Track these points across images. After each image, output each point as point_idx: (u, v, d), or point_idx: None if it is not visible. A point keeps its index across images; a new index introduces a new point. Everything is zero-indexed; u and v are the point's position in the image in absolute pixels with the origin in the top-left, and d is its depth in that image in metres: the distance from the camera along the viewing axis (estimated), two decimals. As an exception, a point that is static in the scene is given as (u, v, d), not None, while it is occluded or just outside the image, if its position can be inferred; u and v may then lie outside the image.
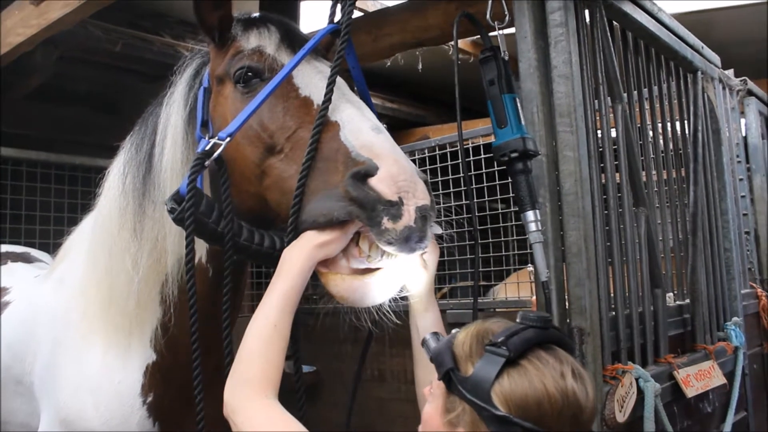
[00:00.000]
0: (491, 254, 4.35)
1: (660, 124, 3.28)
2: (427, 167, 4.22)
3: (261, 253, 2.09)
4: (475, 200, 4.04)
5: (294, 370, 2.19)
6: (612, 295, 2.55)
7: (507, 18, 2.37)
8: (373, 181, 1.81)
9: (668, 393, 2.64)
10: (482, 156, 4.04)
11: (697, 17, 5.89)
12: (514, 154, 2.15)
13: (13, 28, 3.83)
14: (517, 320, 1.64)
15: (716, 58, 3.92)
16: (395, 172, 1.82)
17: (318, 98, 2.04)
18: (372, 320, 2.11)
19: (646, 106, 3.14)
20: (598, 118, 2.62)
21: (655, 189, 3.10)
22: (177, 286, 2.35)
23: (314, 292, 1.95)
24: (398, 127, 7.86)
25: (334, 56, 2.08)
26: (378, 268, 1.93)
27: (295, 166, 1.99)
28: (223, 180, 2.14)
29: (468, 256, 4.03)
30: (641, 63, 3.08)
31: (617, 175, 2.71)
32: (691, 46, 3.52)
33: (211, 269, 2.39)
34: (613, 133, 2.74)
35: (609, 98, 2.71)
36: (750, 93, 4.78)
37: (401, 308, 2.12)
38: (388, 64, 5.70)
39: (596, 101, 2.61)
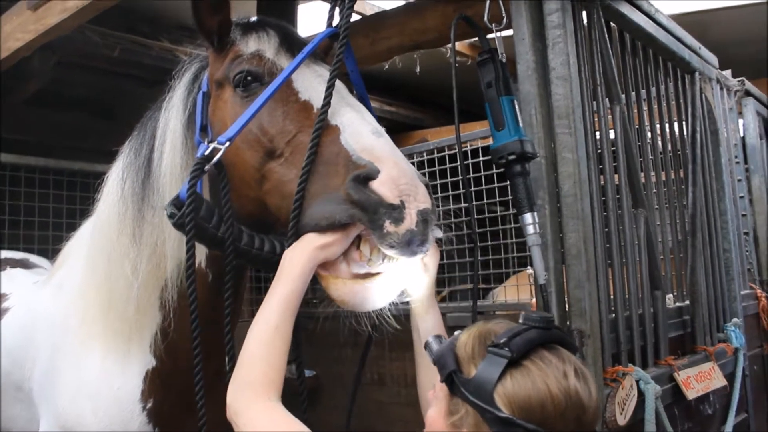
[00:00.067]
0: (490, 257, 4.34)
1: (658, 126, 3.28)
2: (426, 170, 4.22)
3: (261, 258, 2.09)
4: (474, 203, 4.05)
5: (297, 374, 2.19)
6: (612, 297, 2.55)
7: (504, 20, 2.37)
8: (375, 185, 1.81)
9: (669, 395, 2.64)
10: (481, 158, 4.04)
11: (694, 18, 5.90)
12: (511, 157, 2.15)
13: (11, 33, 3.82)
14: (520, 321, 1.63)
15: (714, 59, 3.93)
16: (396, 176, 1.82)
17: (318, 102, 2.04)
18: (372, 324, 2.11)
19: (645, 107, 3.14)
20: (596, 119, 2.62)
21: (654, 190, 3.10)
22: (176, 291, 2.35)
23: (314, 296, 1.95)
24: (396, 130, 7.85)
25: (333, 60, 2.08)
26: (378, 273, 1.92)
27: (296, 170, 1.98)
28: (222, 185, 2.14)
29: (467, 259, 4.02)
30: (639, 64, 3.09)
31: (616, 176, 2.71)
32: (689, 47, 3.52)
33: (210, 274, 2.39)
34: (612, 135, 2.74)
35: (607, 100, 2.71)
36: (747, 93, 4.79)
37: (401, 312, 2.12)
38: (386, 67, 5.70)
39: (594, 103, 2.61)
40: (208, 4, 2.21)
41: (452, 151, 4.15)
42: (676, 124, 3.45)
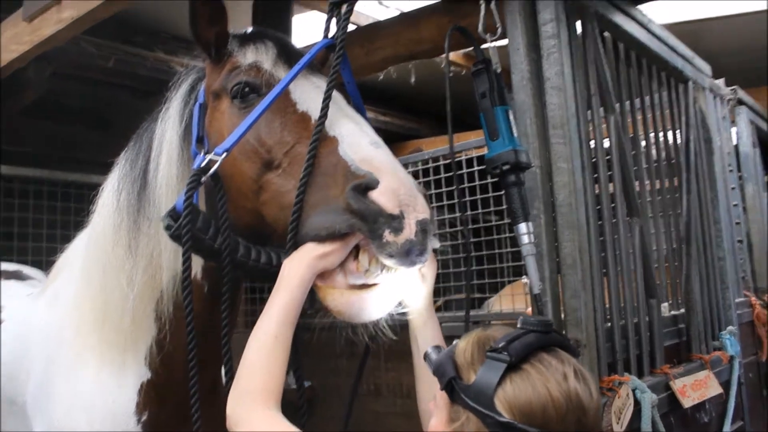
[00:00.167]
0: (486, 266, 4.35)
1: (652, 134, 3.29)
2: (421, 180, 4.23)
3: (258, 270, 2.08)
4: (469, 212, 4.06)
5: (297, 386, 2.18)
6: (607, 306, 2.55)
7: (499, 30, 2.38)
8: (374, 195, 1.81)
9: (665, 404, 2.64)
10: (475, 168, 4.05)
11: (687, 27, 5.93)
12: (506, 167, 2.15)
13: (6, 45, 3.82)
14: (518, 325, 1.63)
15: (707, 68, 3.95)
16: (396, 186, 1.82)
17: (316, 113, 2.04)
18: (369, 335, 2.10)
19: (639, 116, 3.15)
20: (591, 129, 2.63)
21: (649, 199, 3.11)
22: (172, 302, 2.34)
23: (309, 306, 1.94)
24: (391, 140, 7.84)
25: (330, 71, 2.08)
26: (375, 284, 1.92)
27: (293, 181, 1.98)
28: (219, 196, 2.14)
29: (462, 269, 4.03)
30: (633, 73, 3.10)
31: (611, 185, 2.72)
32: (682, 56, 3.54)
33: (206, 285, 2.38)
34: (606, 144, 2.75)
35: (601, 109, 2.72)
36: (740, 102, 4.82)
37: (397, 322, 2.12)
38: (381, 77, 5.72)
39: (589, 112, 2.62)
40: (205, 16, 2.21)
41: (447, 161, 4.16)
42: (670, 133, 3.47)
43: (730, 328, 3.50)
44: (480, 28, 2.38)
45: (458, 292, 4.92)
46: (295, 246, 1.92)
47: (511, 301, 4.35)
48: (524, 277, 4.34)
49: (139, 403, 2.46)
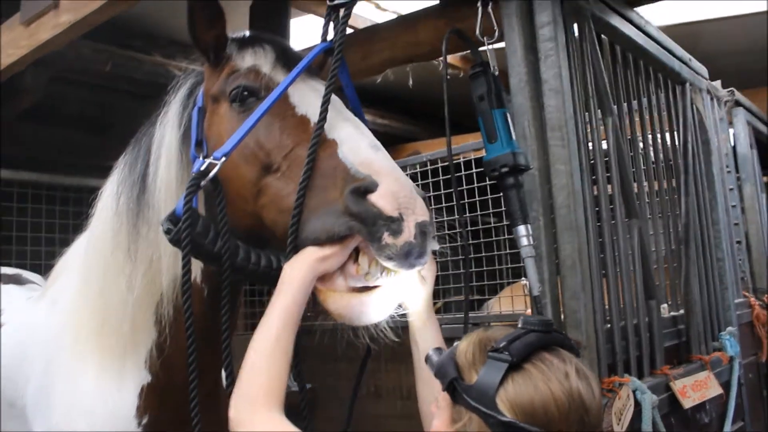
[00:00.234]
0: (484, 268, 4.35)
1: (650, 136, 3.30)
2: (419, 182, 4.23)
3: (258, 273, 2.09)
4: (467, 214, 4.06)
5: (299, 388, 2.19)
6: (607, 307, 2.55)
7: (497, 33, 2.39)
8: (374, 198, 1.81)
9: (665, 405, 2.64)
10: (473, 170, 4.06)
11: (684, 29, 5.94)
12: (504, 169, 2.16)
13: (3, 49, 3.82)
14: (519, 325, 1.63)
15: (704, 70, 3.96)
16: (396, 189, 1.83)
17: (315, 116, 2.04)
18: (370, 337, 2.11)
19: (636, 118, 3.16)
20: (588, 130, 2.63)
21: (647, 200, 3.11)
22: (172, 306, 2.34)
23: (308, 309, 1.95)
24: (389, 143, 7.83)
25: (328, 75, 2.09)
26: (376, 286, 1.93)
27: (293, 185, 1.99)
28: (218, 200, 2.14)
29: (461, 271, 4.03)
30: (630, 76, 3.11)
31: (609, 187, 2.72)
32: (679, 58, 3.55)
33: (206, 289, 2.38)
34: (604, 146, 2.76)
35: (599, 111, 2.73)
36: (737, 103, 4.83)
37: (397, 324, 2.12)
38: (379, 80, 5.72)
39: (587, 114, 2.63)
40: (203, 20, 2.21)
41: (445, 164, 4.17)
42: (667, 135, 3.47)
43: (729, 328, 3.50)
44: (477, 31, 2.39)
45: (457, 294, 4.92)
46: (296, 249, 1.92)
47: (510, 302, 4.36)
48: (523, 278, 4.35)
49: (139, 407, 2.46)
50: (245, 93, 2.18)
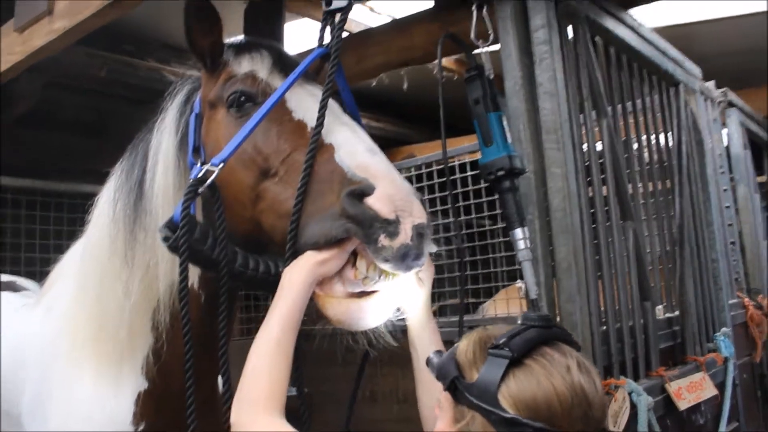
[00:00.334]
0: (480, 271, 4.36)
1: (644, 137, 3.31)
2: (414, 185, 4.23)
3: (256, 279, 2.09)
4: (462, 217, 4.07)
5: (297, 393, 2.18)
6: (602, 309, 2.56)
7: (491, 37, 2.40)
8: (370, 200, 1.82)
9: (661, 406, 2.65)
10: (469, 173, 4.06)
11: (677, 30, 5.95)
12: (500, 173, 2.17)
13: (-3, 55, 3.81)
14: (519, 322, 1.63)
15: (697, 71, 3.97)
16: (392, 192, 1.84)
17: (312, 121, 2.05)
18: (368, 341, 2.11)
19: (631, 119, 3.17)
20: (583, 132, 2.64)
21: (642, 202, 3.12)
22: (169, 312, 2.34)
23: (307, 313, 1.95)
24: (384, 146, 7.80)
25: (325, 79, 2.09)
26: (374, 291, 1.93)
27: (291, 189, 1.99)
28: (216, 206, 2.14)
29: (457, 274, 4.04)
30: (624, 77, 3.11)
31: (604, 188, 2.73)
32: (673, 60, 3.56)
33: (203, 295, 2.38)
34: (599, 147, 2.76)
35: (594, 113, 2.74)
36: (731, 104, 4.85)
37: (396, 329, 2.12)
38: (374, 83, 5.72)
39: (581, 116, 2.64)
40: (200, 26, 2.22)
41: (440, 166, 4.17)
42: (661, 136, 3.48)
43: (724, 329, 3.51)
44: (472, 35, 2.39)
45: (452, 297, 4.92)
46: (295, 254, 1.93)
47: (505, 305, 4.36)
48: (518, 281, 4.36)
49: (136, 413, 2.45)
50: (242, 98, 2.18)
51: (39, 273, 4.12)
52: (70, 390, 2.52)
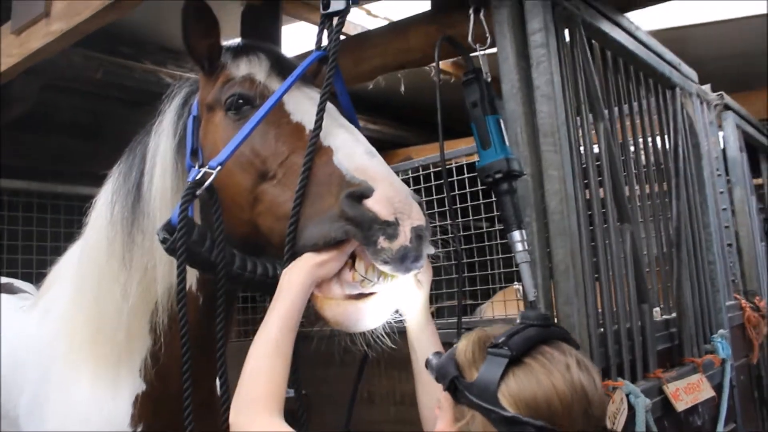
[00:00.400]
0: (477, 273, 4.36)
1: (641, 140, 3.32)
2: (412, 188, 4.23)
3: (254, 281, 2.09)
4: (460, 220, 4.07)
5: (296, 394, 2.19)
6: (600, 311, 2.56)
7: (489, 40, 2.40)
8: (369, 203, 1.82)
9: (658, 408, 2.65)
10: (466, 175, 4.07)
11: (673, 34, 5.97)
12: (498, 175, 2.17)
13: (-5, 57, 3.81)
14: (517, 321, 1.63)
15: (693, 74, 3.98)
16: (391, 194, 1.84)
17: (310, 124, 2.06)
18: (367, 343, 2.11)
19: (627, 122, 3.17)
20: (580, 135, 2.65)
21: (639, 204, 3.13)
22: (167, 314, 2.34)
23: (306, 314, 1.95)
24: (381, 149, 7.81)
25: (323, 82, 2.10)
26: (372, 293, 1.93)
27: (289, 192, 1.99)
28: (214, 209, 2.14)
29: (454, 276, 4.04)
30: (621, 80, 3.12)
31: (601, 191, 2.74)
32: (669, 63, 3.57)
33: (201, 297, 2.38)
34: (596, 150, 2.77)
35: (591, 116, 2.74)
36: (727, 107, 4.85)
37: (394, 330, 2.12)
38: (371, 86, 5.73)
39: (578, 119, 2.64)
40: (198, 29, 2.22)
41: (437, 169, 4.18)
42: (658, 139, 3.49)
43: (721, 331, 3.51)
44: (469, 38, 2.40)
45: (450, 299, 4.93)
46: (293, 256, 1.93)
47: (503, 307, 4.36)
48: (516, 283, 4.37)
49: (134, 415, 2.45)
50: (240, 101, 2.19)
51: (36, 275, 4.13)
52: (68, 392, 2.52)
